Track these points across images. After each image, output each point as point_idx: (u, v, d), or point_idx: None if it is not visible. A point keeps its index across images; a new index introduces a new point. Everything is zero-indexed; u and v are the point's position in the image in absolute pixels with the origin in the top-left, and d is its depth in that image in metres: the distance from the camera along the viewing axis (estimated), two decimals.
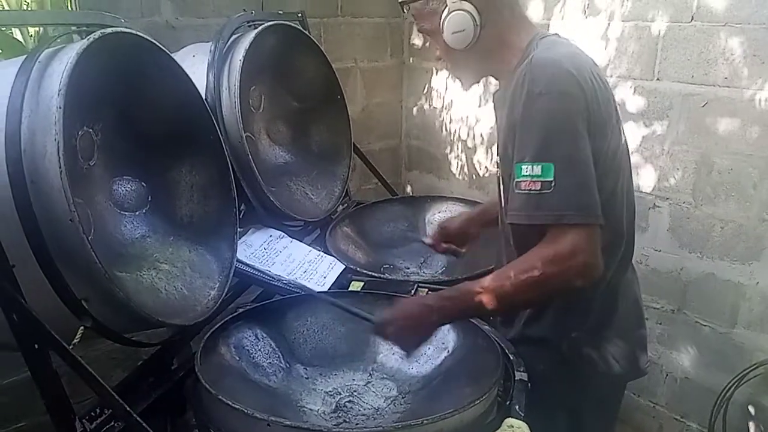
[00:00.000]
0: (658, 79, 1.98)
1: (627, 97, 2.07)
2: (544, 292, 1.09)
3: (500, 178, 1.25)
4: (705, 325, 2.03)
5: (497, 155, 1.27)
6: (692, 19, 1.86)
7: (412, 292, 1.46)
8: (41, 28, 1.83)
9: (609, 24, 2.06)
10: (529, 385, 1.12)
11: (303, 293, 1.43)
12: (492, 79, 1.42)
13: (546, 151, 1.03)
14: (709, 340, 2.02)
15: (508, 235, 1.26)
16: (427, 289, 1.49)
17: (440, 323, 1.17)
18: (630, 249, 1.33)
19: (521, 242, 1.19)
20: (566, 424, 1.29)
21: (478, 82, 1.33)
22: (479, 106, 2.61)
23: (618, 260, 1.27)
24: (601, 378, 1.29)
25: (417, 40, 2.81)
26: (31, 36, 2.01)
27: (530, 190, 1.03)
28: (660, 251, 2.09)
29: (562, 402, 1.25)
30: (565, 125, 1.04)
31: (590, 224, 1.03)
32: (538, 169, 1.02)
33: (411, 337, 1.15)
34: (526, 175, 1.03)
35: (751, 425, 1.97)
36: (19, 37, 1.99)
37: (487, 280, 1.09)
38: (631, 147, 2.08)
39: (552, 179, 1.01)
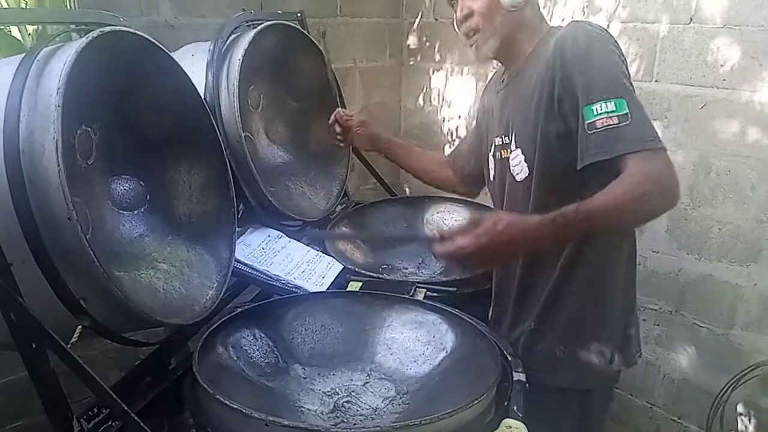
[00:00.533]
0: (656, 80, 1.99)
1: None
2: (649, 208, 1.11)
3: (508, 159, 1.33)
4: (703, 327, 2.03)
5: (504, 136, 1.34)
6: (691, 21, 1.86)
7: (411, 293, 1.46)
8: (40, 27, 1.83)
9: (608, 26, 2.07)
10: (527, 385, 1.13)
11: (301, 293, 1.43)
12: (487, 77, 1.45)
13: (615, 88, 1.09)
14: (706, 341, 2.03)
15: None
16: (425, 291, 1.49)
17: (532, 249, 1.23)
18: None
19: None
20: (578, 407, 1.33)
21: (494, 57, 1.34)
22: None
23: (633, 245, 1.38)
24: (615, 363, 1.33)
25: (413, 39, 2.81)
26: (30, 34, 2.01)
27: (608, 125, 1.07)
28: (658, 252, 2.09)
29: (577, 385, 1.31)
30: (621, 65, 1.13)
31: (665, 149, 1.09)
32: (611, 105, 1.07)
33: (488, 262, 1.25)
34: (601, 113, 1.08)
35: (749, 426, 1.98)
36: (18, 35, 1.99)
37: (606, 199, 1.07)
38: None
39: (627, 112, 1.07)
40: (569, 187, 1.18)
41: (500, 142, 1.37)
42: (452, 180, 1.74)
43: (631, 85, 1.13)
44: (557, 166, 1.21)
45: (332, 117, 1.85)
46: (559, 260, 1.29)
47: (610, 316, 1.33)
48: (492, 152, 1.42)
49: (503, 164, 1.37)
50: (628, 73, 1.16)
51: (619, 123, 1.06)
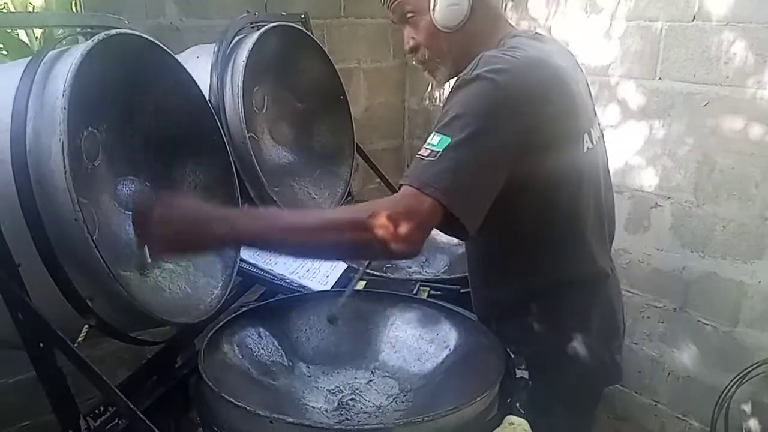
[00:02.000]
0: (659, 78, 1.98)
1: (629, 96, 2.07)
2: (350, 242, 0.99)
3: None
4: (707, 324, 2.03)
5: None
6: (694, 18, 1.86)
7: (414, 291, 1.47)
8: (46, 30, 1.85)
9: (611, 23, 2.07)
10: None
11: (306, 292, 1.44)
12: None
13: (450, 126, 1.00)
14: (711, 338, 2.02)
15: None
16: (428, 289, 1.50)
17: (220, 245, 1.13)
18: (601, 255, 1.26)
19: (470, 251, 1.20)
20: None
21: (453, 77, 1.22)
22: None
23: (580, 264, 1.22)
24: (574, 384, 1.24)
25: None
26: (37, 38, 2.03)
27: (421, 156, 1.00)
28: (662, 250, 2.09)
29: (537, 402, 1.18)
30: (478, 110, 1.00)
31: (441, 204, 0.96)
32: (436, 140, 1.00)
33: (173, 243, 1.03)
34: (427, 143, 1.01)
35: (753, 424, 1.97)
36: (25, 38, 2.01)
37: (293, 214, 1.08)
38: (633, 146, 2.09)
39: (440, 150, 0.98)
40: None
41: None
42: None
43: (485, 136, 0.99)
44: None
45: None
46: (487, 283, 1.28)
47: (558, 333, 1.24)
48: None
49: None
50: (528, 131, 1.02)
51: (426, 156, 0.99)
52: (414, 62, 1.30)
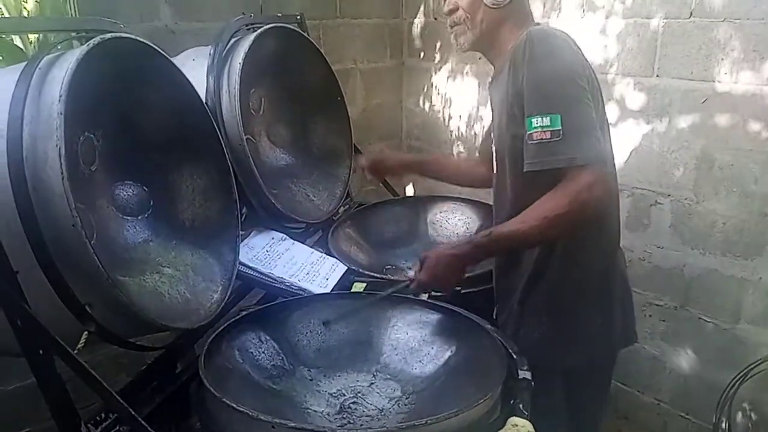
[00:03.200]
0: (657, 75, 1.98)
1: (626, 94, 2.07)
2: (572, 225, 1.21)
3: (496, 151, 1.42)
4: (708, 322, 2.02)
5: (493, 131, 1.44)
6: (691, 15, 1.86)
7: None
8: (41, 35, 1.83)
9: (607, 21, 2.07)
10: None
11: (306, 295, 1.43)
12: (488, 75, 1.50)
13: (552, 104, 1.16)
14: (712, 336, 2.02)
15: (504, 201, 1.40)
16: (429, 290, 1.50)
17: (471, 265, 1.34)
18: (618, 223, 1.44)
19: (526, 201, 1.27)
20: (560, 388, 1.39)
21: (474, 48, 1.42)
22: (479, 105, 2.61)
23: (612, 230, 1.42)
24: (597, 344, 1.41)
25: (413, 39, 2.82)
26: (32, 42, 2.02)
27: (542, 139, 1.16)
28: (662, 248, 2.09)
29: (557, 366, 1.35)
30: (564, 80, 1.18)
31: (597, 164, 1.16)
32: (546, 120, 1.15)
33: (446, 285, 1.32)
34: (537, 127, 1.16)
35: (757, 421, 1.97)
36: (20, 43, 2.00)
37: (516, 223, 1.23)
38: (631, 144, 2.08)
39: (560, 128, 1.14)
40: (539, 183, 1.23)
41: (491, 137, 1.48)
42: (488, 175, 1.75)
43: (585, 95, 1.19)
44: (522, 165, 1.27)
45: (360, 166, 1.93)
46: (534, 252, 1.38)
47: (587, 297, 1.39)
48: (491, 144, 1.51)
49: (493, 158, 1.48)
50: (591, 77, 1.24)
51: (551, 138, 1.15)
52: (448, 22, 1.43)
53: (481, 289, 1.54)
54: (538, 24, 1.39)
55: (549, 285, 1.38)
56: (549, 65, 1.19)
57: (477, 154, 1.91)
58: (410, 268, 1.85)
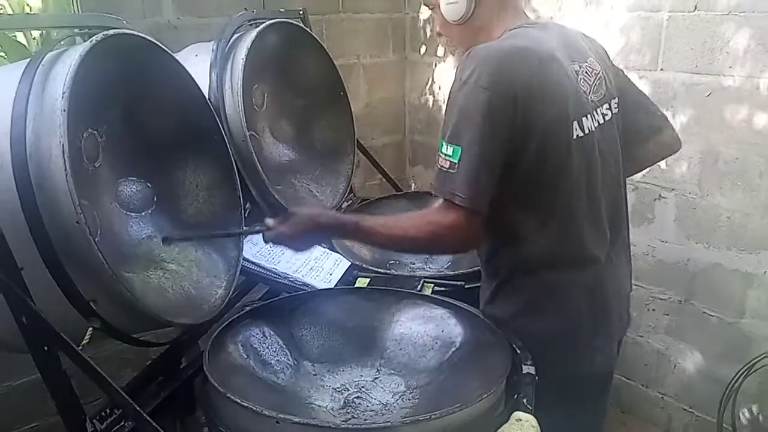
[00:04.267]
0: (662, 69, 1.97)
1: None
2: (425, 251, 1.42)
3: None
4: (713, 316, 2.02)
5: None
6: (695, 8, 1.85)
7: (418, 287, 1.47)
8: (44, 32, 1.84)
9: (612, 14, 2.05)
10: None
11: (309, 290, 1.43)
12: None
13: (457, 135, 1.13)
14: (717, 330, 2.02)
15: None
16: (432, 285, 1.50)
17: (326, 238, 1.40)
18: (592, 240, 1.28)
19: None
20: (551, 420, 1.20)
21: None
22: None
23: (564, 245, 1.25)
24: (582, 375, 1.28)
25: (416, 34, 2.81)
26: (35, 39, 2.02)
27: (442, 167, 1.15)
28: (666, 242, 2.09)
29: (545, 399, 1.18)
30: (476, 118, 1.12)
31: (473, 211, 1.14)
32: (450, 150, 1.14)
33: (298, 247, 1.32)
34: (443, 153, 1.15)
35: (761, 415, 1.97)
36: (23, 40, 2.00)
37: (379, 224, 1.26)
38: None
39: (457, 161, 1.13)
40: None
41: None
42: None
43: (486, 137, 1.11)
44: None
45: None
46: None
47: (541, 311, 1.28)
48: None
49: None
50: (519, 119, 1.12)
51: (448, 168, 1.14)
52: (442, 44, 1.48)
53: None
54: (528, 24, 1.28)
55: (504, 296, 1.30)
56: (465, 94, 1.13)
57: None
58: (413, 263, 1.86)
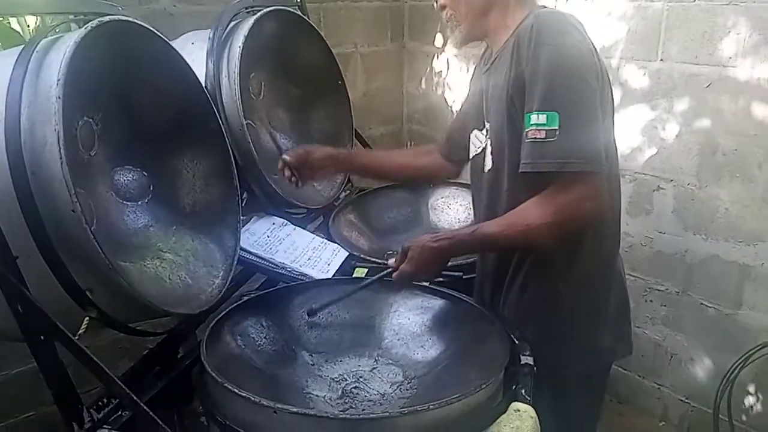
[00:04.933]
0: (661, 59, 1.96)
1: (630, 78, 2.05)
2: (556, 236, 1.15)
3: (492, 145, 1.29)
4: (710, 307, 2.03)
5: (489, 123, 1.30)
6: None
7: None
8: (39, 18, 1.81)
9: (612, 4, 2.04)
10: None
11: (307, 280, 1.43)
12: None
13: (550, 100, 1.07)
14: (714, 321, 2.02)
15: (497, 198, 1.30)
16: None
17: (452, 257, 1.28)
18: (618, 227, 1.34)
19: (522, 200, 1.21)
20: (551, 400, 1.23)
21: (468, 42, 1.34)
22: None
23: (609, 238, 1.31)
24: (589, 356, 1.32)
25: (414, 23, 2.79)
26: (29, 25, 1.99)
27: (535, 138, 1.07)
28: (664, 233, 2.09)
29: (548, 377, 1.20)
30: (569, 75, 1.08)
31: (594, 172, 1.08)
32: (543, 118, 1.06)
33: (427, 277, 1.28)
34: (533, 124, 1.08)
35: (757, 406, 1.98)
36: (17, 26, 1.98)
37: (500, 225, 1.18)
38: (635, 129, 2.07)
39: (556, 128, 1.05)
40: (537, 184, 1.15)
41: (480, 128, 1.36)
42: (443, 165, 1.65)
43: (591, 92, 1.10)
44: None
45: (287, 161, 1.58)
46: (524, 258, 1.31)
47: (580, 307, 1.30)
48: (473, 135, 1.40)
49: (479, 151, 1.36)
50: (600, 68, 1.14)
51: (545, 138, 1.06)
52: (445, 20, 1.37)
53: None
54: (543, 6, 1.28)
55: (539, 293, 1.31)
56: (554, 56, 1.09)
57: (434, 143, 1.76)
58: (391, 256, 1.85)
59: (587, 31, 1.20)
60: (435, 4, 1.36)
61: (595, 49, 1.18)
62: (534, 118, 1.07)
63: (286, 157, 1.58)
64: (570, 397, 1.30)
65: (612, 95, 1.25)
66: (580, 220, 1.13)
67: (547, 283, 1.29)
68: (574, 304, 1.29)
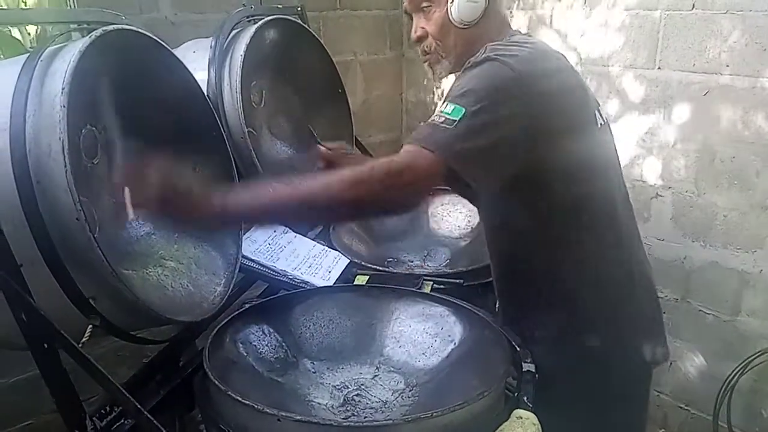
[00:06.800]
0: (659, 68, 1.98)
1: (628, 86, 2.06)
2: (364, 198, 1.03)
3: None
4: (709, 314, 2.03)
5: None
6: (693, 7, 1.85)
7: (418, 285, 1.47)
8: (39, 27, 1.82)
9: (609, 13, 2.06)
10: (538, 378, 1.11)
11: (308, 288, 1.43)
12: None
13: (464, 97, 1.04)
14: (713, 328, 2.03)
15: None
16: (431, 283, 1.50)
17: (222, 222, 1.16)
18: (633, 234, 1.32)
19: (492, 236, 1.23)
20: (590, 420, 1.20)
21: (453, 72, 1.27)
22: None
23: (615, 244, 1.26)
24: (621, 368, 1.24)
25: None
26: (30, 34, 2.00)
27: (434, 121, 1.04)
28: (663, 240, 2.09)
29: (582, 397, 1.18)
30: (493, 87, 1.05)
31: (441, 159, 1.01)
32: (450, 108, 1.03)
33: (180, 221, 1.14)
34: (442, 111, 1.04)
35: (757, 413, 1.98)
36: (18, 35, 1.99)
37: (308, 179, 1.07)
38: (633, 137, 2.08)
39: (456, 119, 1.01)
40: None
41: None
42: None
43: (499, 113, 1.04)
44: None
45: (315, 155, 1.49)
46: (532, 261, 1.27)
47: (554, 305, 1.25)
48: None
49: None
50: (535, 93, 1.06)
51: (442, 123, 1.03)
52: (419, 52, 1.32)
53: (484, 282, 1.54)
54: (516, 32, 1.27)
55: (563, 317, 1.24)
56: (485, 70, 1.06)
57: None
58: (412, 261, 1.86)
59: (555, 56, 1.17)
60: (413, 38, 1.30)
61: (554, 73, 1.12)
62: (443, 105, 1.05)
63: (321, 147, 1.48)
64: (609, 413, 1.21)
65: (587, 99, 1.21)
66: (395, 186, 1.02)
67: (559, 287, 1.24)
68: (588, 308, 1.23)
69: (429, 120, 1.06)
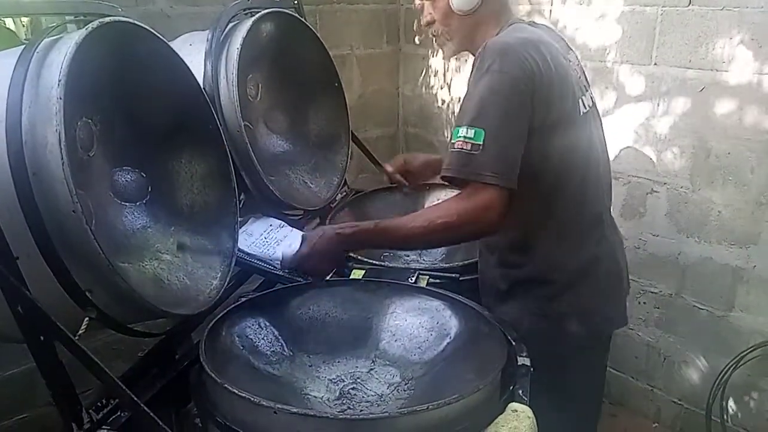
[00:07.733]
0: (655, 63, 1.98)
1: (624, 81, 2.07)
2: (454, 237, 1.32)
3: None
4: (703, 309, 2.04)
5: None
6: (690, 3, 1.86)
7: (413, 279, 1.47)
8: (33, 18, 1.80)
9: (606, 8, 2.06)
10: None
11: (305, 281, 1.43)
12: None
13: (480, 118, 1.17)
14: (706, 323, 2.04)
15: None
16: (427, 277, 1.50)
17: (350, 251, 1.43)
18: (605, 216, 1.43)
19: None
20: (549, 379, 1.26)
21: (458, 53, 1.46)
22: None
23: (588, 221, 1.39)
24: (579, 329, 1.37)
25: (409, 25, 2.80)
26: (24, 26, 1.99)
27: (462, 149, 1.18)
28: (658, 236, 2.10)
29: (544, 356, 1.24)
30: (500, 100, 1.18)
31: (504, 187, 1.18)
32: (471, 133, 1.17)
33: (324, 269, 1.37)
34: (461, 137, 1.18)
35: (749, 407, 2.00)
36: (12, 26, 1.97)
37: (404, 220, 1.29)
38: (628, 132, 2.09)
39: (481, 143, 1.16)
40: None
41: None
42: None
43: (511, 118, 1.19)
44: None
45: (390, 172, 1.87)
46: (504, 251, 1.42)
47: (561, 291, 1.38)
48: None
49: None
50: (548, 83, 1.20)
51: (471, 150, 1.16)
52: (429, 34, 1.47)
53: (478, 276, 1.55)
54: (519, 20, 1.39)
55: (523, 281, 1.40)
56: (488, 80, 1.19)
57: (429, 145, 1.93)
58: (408, 255, 1.86)
59: (544, 51, 1.24)
60: (423, 23, 1.44)
61: (550, 58, 1.23)
62: (463, 131, 1.18)
63: (389, 168, 1.85)
64: (570, 373, 1.36)
65: (584, 85, 1.36)
66: (479, 225, 1.22)
67: (526, 272, 1.38)
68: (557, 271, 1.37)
69: (454, 149, 1.19)
